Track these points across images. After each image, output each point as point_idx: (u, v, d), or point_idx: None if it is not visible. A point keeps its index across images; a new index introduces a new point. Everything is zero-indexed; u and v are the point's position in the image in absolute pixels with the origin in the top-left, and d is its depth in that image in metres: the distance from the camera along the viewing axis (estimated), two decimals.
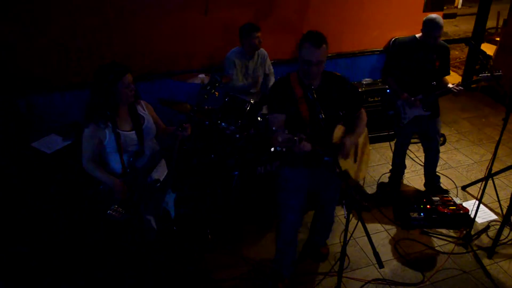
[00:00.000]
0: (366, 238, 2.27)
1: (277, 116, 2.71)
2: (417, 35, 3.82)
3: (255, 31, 4.22)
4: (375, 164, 4.95)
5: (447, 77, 3.94)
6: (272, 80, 4.62)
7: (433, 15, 3.64)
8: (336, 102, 2.80)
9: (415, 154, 4.44)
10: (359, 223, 2.32)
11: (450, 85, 3.81)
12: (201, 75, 3.99)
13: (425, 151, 4.30)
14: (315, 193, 3.26)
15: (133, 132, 2.73)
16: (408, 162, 4.59)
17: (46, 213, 3.66)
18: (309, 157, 2.67)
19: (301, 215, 3.21)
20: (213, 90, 2.93)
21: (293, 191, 3.01)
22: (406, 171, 4.58)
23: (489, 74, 3.61)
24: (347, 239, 2.45)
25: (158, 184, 2.88)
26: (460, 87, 3.71)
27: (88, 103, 2.63)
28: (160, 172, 2.97)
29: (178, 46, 4.67)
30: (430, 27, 3.62)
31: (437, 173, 4.41)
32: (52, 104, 4.45)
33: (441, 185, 4.46)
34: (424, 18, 3.67)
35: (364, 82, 5.31)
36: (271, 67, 4.66)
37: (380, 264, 2.16)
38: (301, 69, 2.68)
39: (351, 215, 2.34)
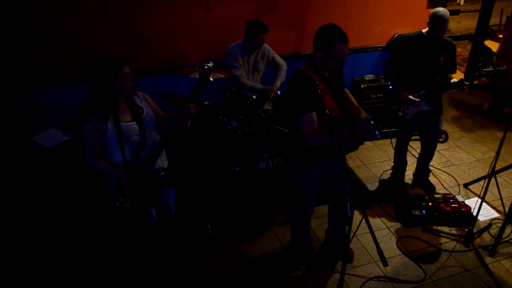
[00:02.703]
0: (368, 235, 2.26)
1: (313, 115, 2.71)
2: (424, 30, 3.80)
3: (262, 32, 4.17)
4: (376, 161, 4.94)
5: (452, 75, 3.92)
6: (283, 73, 4.56)
7: (439, 8, 3.62)
8: (341, 85, 3.06)
9: (417, 151, 4.43)
10: (363, 221, 2.30)
11: (453, 80, 3.78)
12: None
13: (422, 145, 4.30)
14: (327, 188, 3.27)
15: (134, 122, 2.74)
16: (410, 159, 4.57)
17: (46, 208, 3.65)
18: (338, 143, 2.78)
19: None
20: (208, 76, 2.91)
21: (313, 185, 3.12)
22: (407, 168, 4.56)
23: (492, 69, 3.58)
24: (351, 236, 2.44)
25: (162, 173, 2.87)
26: (466, 83, 3.69)
27: (87, 98, 2.62)
28: (163, 162, 2.97)
29: (180, 41, 4.63)
30: (435, 19, 3.60)
31: (429, 167, 4.45)
32: (53, 98, 4.42)
33: (443, 182, 4.47)
34: (430, 12, 3.65)
35: (367, 79, 5.29)
36: (279, 58, 4.59)
37: (385, 263, 2.14)
38: (326, 64, 2.77)
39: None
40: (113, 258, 3.44)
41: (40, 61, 4.25)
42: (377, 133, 2.47)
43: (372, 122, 2.46)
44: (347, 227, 3.42)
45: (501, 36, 7.04)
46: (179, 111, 2.75)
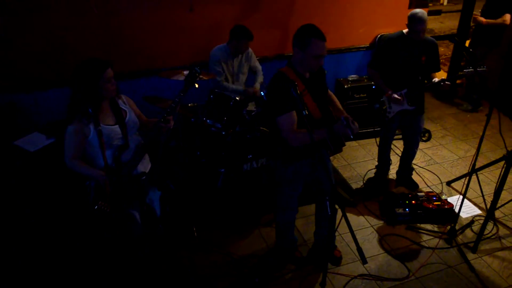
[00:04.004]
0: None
1: (293, 114, 2.73)
2: (404, 31, 3.85)
3: (246, 38, 4.19)
4: (361, 160, 4.98)
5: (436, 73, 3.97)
6: (260, 77, 4.60)
7: (417, 10, 3.68)
8: (323, 86, 3.05)
9: (401, 150, 4.48)
10: (343, 219, 2.33)
11: (435, 80, 3.83)
12: (186, 72, 3.95)
13: (405, 144, 4.35)
14: (311, 188, 3.29)
15: (117, 126, 2.73)
16: (393, 157, 4.61)
17: (29, 212, 3.61)
18: (319, 143, 2.81)
19: None
20: (194, 82, 2.93)
21: (296, 184, 3.15)
22: (391, 166, 4.60)
23: (472, 70, 3.64)
24: (332, 235, 2.46)
25: (144, 177, 2.87)
26: (447, 83, 3.74)
27: (70, 100, 2.61)
28: (145, 166, 2.97)
29: (163, 43, 4.62)
30: (413, 21, 3.66)
31: (412, 166, 4.51)
32: (35, 102, 4.38)
33: (426, 180, 4.52)
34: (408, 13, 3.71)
35: (350, 79, 5.33)
36: (258, 64, 4.64)
37: (364, 260, 2.17)
38: (305, 64, 2.79)
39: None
40: (96, 262, 3.42)
41: (22, 65, 4.21)
42: (349, 132, 2.49)
43: (344, 122, 2.47)
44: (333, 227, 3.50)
45: None
46: (156, 124, 2.78)
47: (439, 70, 3.96)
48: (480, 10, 5.67)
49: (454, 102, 6.39)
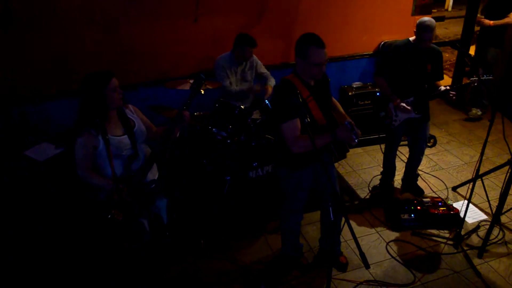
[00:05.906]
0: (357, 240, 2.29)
1: (296, 121, 2.77)
2: (411, 39, 3.87)
3: (249, 46, 4.27)
4: (366, 167, 4.99)
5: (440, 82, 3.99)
6: (271, 81, 4.64)
7: (425, 18, 3.70)
8: (327, 93, 3.10)
9: (406, 156, 4.50)
10: (345, 225, 2.35)
11: (442, 88, 3.84)
12: (192, 81, 4.01)
13: (410, 151, 4.37)
14: (316, 194, 3.32)
15: (125, 136, 2.78)
16: (398, 164, 4.62)
17: (39, 220, 3.67)
18: (322, 150, 2.87)
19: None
20: (200, 89, 3.00)
21: (300, 192, 3.18)
22: (396, 173, 4.61)
23: (477, 78, 3.66)
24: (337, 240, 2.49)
25: (153, 185, 2.91)
26: (453, 92, 3.75)
27: (79, 112, 2.68)
28: (153, 174, 3.02)
29: (168, 53, 4.69)
30: (420, 29, 3.68)
31: (417, 172, 4.53)
32: (45, 112, 4.46)
33: (432, 186, 4.53)
34: (417, 21, 3.74)
35: (354, 86, 5.36)
36: (264, 69, 4.67)
37: (366, 265, 2.19)
38: (307, 72, 2.84)
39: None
40: (104, 268, 3.46)
41: (33, 75, 4.30)
42: (354, 137, 2.52)
43: (349, 127, 2.50)
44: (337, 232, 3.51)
45: None
46: (177, 114, 2.87)
47: (442, 79, 3.98)
48: (483, 12, 5.68)
49: (459, 107, 6.39)
